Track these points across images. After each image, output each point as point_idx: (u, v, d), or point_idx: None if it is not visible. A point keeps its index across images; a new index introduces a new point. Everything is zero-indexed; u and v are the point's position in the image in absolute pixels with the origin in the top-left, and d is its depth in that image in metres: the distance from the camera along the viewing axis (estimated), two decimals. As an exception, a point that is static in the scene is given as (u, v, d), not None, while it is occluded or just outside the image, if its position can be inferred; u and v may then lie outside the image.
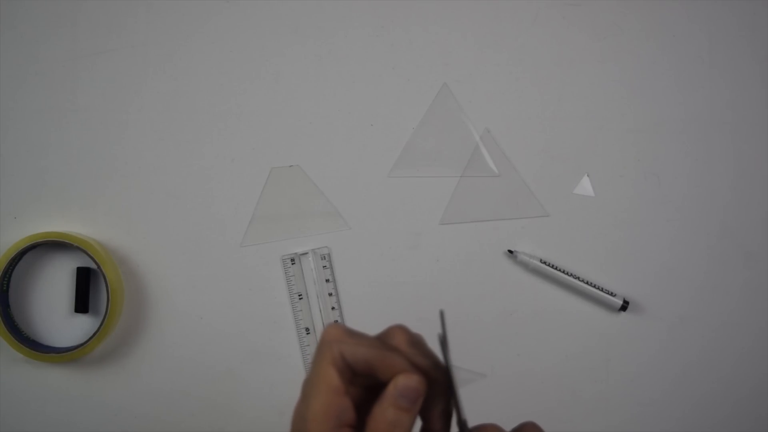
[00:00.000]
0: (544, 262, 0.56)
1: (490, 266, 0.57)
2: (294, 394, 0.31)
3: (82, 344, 0.53)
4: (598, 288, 0.56)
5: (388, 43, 0.58)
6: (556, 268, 0.56)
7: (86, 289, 0.55)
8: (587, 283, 0.56)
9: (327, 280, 0.56)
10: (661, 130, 0.58)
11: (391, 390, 0.29)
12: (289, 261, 0.56)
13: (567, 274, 0.56)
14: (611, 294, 0.56)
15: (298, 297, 0.56)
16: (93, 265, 0.54)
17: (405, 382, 0.29)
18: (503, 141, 0.57)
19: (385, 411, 0.29)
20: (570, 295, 0.57)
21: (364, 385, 0.31)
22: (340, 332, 0.31)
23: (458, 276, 0.57)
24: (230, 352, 0.56)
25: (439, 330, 0.32)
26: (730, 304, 0.57)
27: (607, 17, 0.58)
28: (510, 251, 0.57)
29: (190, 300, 0.56)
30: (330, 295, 0.56)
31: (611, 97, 0.58)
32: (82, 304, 0.55)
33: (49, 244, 0.54)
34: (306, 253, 0.56)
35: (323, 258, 0.56)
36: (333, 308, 0.56)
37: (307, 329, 0.56)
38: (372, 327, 0.58)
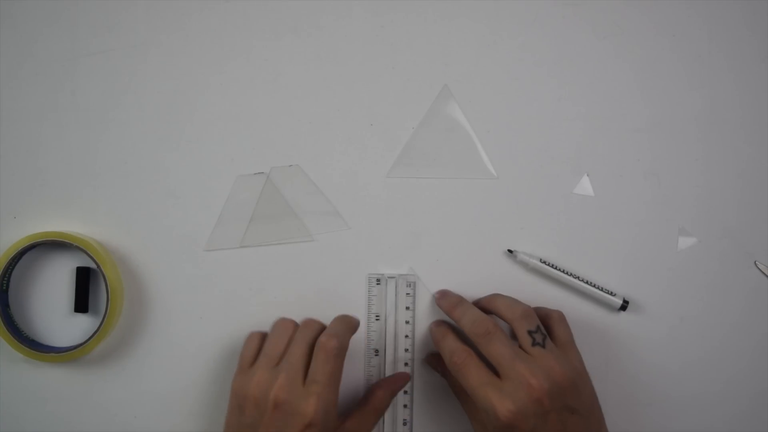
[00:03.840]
0: (544, 262, 0.56)
1: (490, 266, 0.57)
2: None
3: (81, 344, 0.53)
4: (597, 288, 0.56)
5: (388, 43, 0.58)
6: (556, 268, 0.56)
7: (86, 289, 0.55)
8: (587, 282, 0.56)
9: (407, 308, 0.56)
10: (661, 130, 0.58)
11: None
12: (374, 281, 0.56)
13: (567, 273, 0.56)
14: (611, 294, 0.56)
15: (375, 317, 0.56)
16: (93, 265, 0.54)
17: None
18: (503, 141, 0.57)
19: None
20: (570, 294, 0.57)
21: None
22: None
23: (458, 276, 0.57)
24: (230, 352, 0.56)
25: None
26: (731, 304, 0.57)
27: (607, 17, 0.58)
28: (510, 251, 0.56)
29: (190, 300, 0.56)
30: (407, 323, 0.56)
31: (611, 97, 0.58)
32: (81, 304, 0.55)
33: (48, 244, 0.54)
34: (393, 277, 0.56)
35: (408, 285, 0.56)
36: (406, 336, 0.56)
37: (376, 350, 0.56)
38: (373, 324, 0.57)
